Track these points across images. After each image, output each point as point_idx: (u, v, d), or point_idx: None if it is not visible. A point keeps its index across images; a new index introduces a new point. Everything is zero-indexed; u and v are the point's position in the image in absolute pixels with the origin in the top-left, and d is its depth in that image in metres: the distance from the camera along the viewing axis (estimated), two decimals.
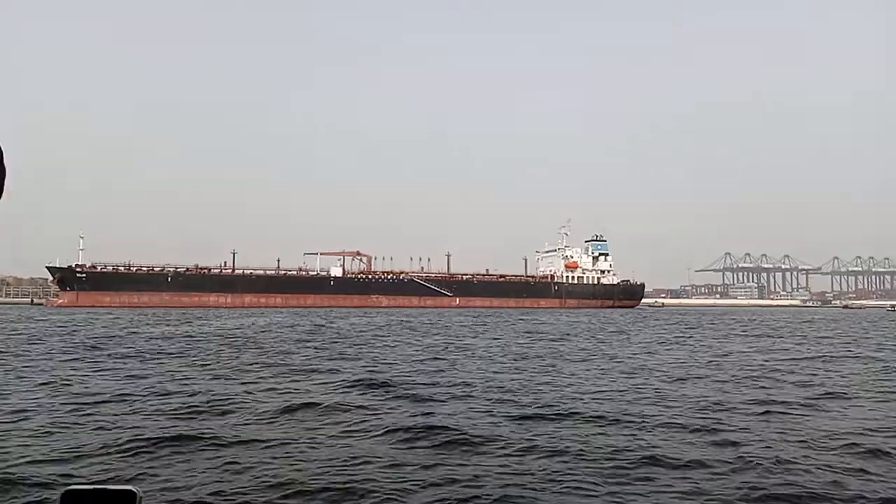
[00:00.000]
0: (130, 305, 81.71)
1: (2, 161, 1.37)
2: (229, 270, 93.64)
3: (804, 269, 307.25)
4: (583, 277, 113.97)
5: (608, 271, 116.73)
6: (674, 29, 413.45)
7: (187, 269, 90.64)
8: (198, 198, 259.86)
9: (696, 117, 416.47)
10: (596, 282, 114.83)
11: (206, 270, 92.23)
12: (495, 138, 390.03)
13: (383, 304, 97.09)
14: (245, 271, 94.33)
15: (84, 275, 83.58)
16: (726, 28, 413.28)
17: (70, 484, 2.12)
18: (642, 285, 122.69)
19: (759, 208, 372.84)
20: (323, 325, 39.48)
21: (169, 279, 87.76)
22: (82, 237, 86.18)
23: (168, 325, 37.19)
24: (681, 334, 35.02)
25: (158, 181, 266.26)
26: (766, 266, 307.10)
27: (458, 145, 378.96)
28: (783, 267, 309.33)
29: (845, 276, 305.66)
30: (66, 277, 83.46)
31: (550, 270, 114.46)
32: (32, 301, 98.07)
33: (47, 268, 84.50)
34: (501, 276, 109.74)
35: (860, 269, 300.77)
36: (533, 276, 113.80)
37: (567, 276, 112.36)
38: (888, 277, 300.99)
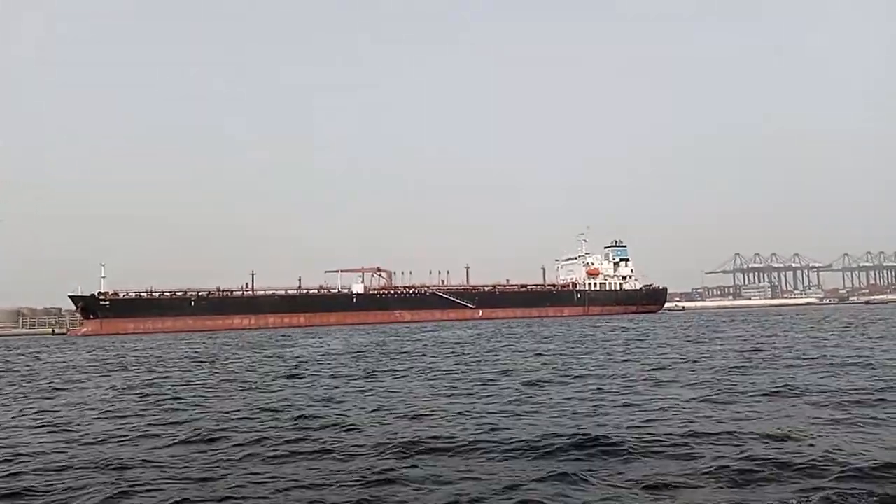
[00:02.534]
0: (155, 331, 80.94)
1: None
2: (250, 292, 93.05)
3: (815, 267, 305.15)
4: (605, 284, 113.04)
5: (630, 277, 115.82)
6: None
7: (209, 293, 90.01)
8: (214, 220, 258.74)
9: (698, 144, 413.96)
10: (618, 288, 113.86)
11: (228, 293, 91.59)
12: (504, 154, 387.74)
13: (406, 318, 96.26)
14: (267, 292, 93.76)
15: (108, 302, 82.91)
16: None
17: None
18: (665, 289, 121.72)
19: (766, 208, 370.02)
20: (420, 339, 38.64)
21: (193, 303, 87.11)
22: (103, 265, 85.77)
23: (275, 348, 36.26)
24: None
25: (169, 203, 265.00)
26: (776, 265, 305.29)
27: (465, 160, 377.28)
28: (793, 265, 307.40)
29: (856, 272, 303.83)
30: (90, 305, 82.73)
31: (572, 278, 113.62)
32: (53, 331, 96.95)
33: (70, 297, 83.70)
34: (523, 286, 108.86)
35: (871, 264, 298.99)
36: (554, 285, 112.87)
37: (589, 284, 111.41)
38: None
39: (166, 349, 38.93)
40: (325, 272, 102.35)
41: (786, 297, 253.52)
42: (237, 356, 30.34)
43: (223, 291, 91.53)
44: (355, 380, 18.28)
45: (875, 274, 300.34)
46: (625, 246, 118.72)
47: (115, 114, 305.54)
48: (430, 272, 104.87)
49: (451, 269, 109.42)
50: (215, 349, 37.24)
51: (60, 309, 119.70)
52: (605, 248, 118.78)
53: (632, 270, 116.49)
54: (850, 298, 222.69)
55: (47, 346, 50.49)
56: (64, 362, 30.28)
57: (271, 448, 9.27)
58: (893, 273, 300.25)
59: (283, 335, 57.53)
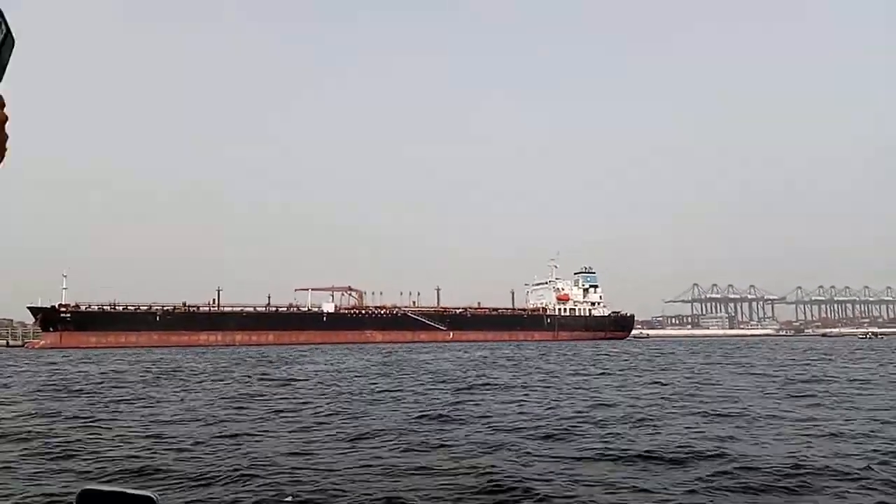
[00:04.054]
0: (118, 346, 78.08)
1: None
2: (217, 308, 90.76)
3: (770, 299, 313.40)
4: (574, 310, 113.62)
5: (598, 303, 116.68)
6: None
7: (175, 308, 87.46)
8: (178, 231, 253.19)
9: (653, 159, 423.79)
10: (588, 314, 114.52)
11: (195, 308, 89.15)
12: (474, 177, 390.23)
13: (377, 339, 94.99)
14: (234, 308, 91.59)
15: (68, 315, 79.78)
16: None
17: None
18: (632, 316, 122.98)
19: (725, 241, 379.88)
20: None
21: (158, 318, 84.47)
22: (65, 276, 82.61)
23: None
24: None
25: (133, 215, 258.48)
26: (732, 296, 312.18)
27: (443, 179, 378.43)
28: (749, 297, 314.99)
29: (809, 305, 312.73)
30: (49, 318, 79.46)
31: (542, 303, 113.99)
32: (8, 343, 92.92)
33: (29, 308, 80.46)
34: (494, 310, 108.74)
35: (823, 298, 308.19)
36: (525, 309, 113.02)
37: (559, 309, 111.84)
38: (849, 306, 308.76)
39: (129, 367, 37.38)
40: (296, 290, 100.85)
41: (742, 328, 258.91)
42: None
43: (190, 307, 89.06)
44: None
45: (827, 307, 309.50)
46: (594, 272, 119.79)
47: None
48: (401, 293, 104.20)
49: (422, 290, 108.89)
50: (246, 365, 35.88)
51: (12, 321, 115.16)
52: (575, 273, 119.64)
53: (600, 297, 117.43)
54: (806, 330, 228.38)
55: None
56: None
57: None
58: (843, 306, 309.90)
59: (282, 354, 56.05)
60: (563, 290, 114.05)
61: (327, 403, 16.31)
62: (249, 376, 26.42)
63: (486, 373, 27.35)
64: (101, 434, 11.64)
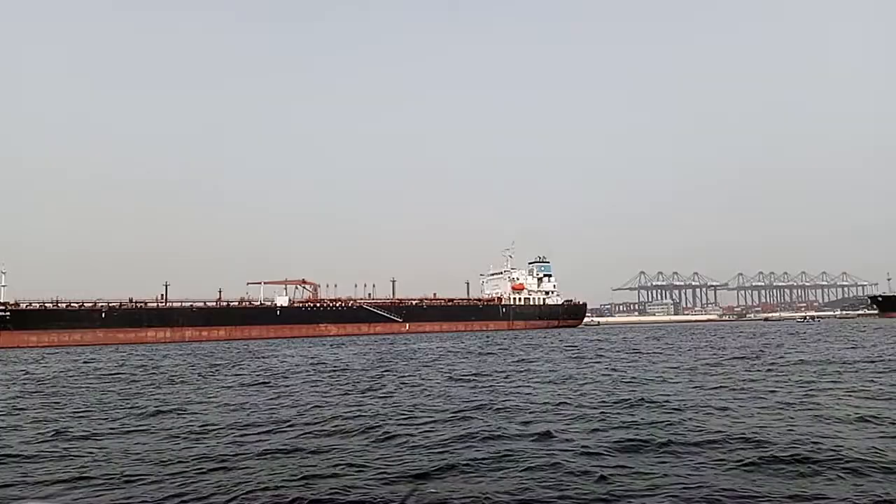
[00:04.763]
0: (61, 344, 74.96)
1: None
2: (165, 304, 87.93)
3: (712, 286, 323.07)
4: (529, 299, 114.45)
5: (552, 292, 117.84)
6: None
7: (122, 304, 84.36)
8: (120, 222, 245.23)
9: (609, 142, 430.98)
10: (542, 303, 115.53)
11: (142, 304, 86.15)
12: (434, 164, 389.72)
13: (332, 332, 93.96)
14: (184, 304, 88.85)
15: (8, 313, 76.00)
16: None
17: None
18: (584, 305, 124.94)
19: (670, 230, 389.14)
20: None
21: (104, 315, 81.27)
22: (4, 272, 78.65)
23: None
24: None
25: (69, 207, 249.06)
26: (677, 283, 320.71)
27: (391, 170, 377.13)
28: (693, 284, 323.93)
29: (749, 291, 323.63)
30: None
31: (497, 293, 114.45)
32: None
33: None
34: (450, 301, 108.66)
35: (763, 284, 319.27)
36: (480, 300, 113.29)
37: (514, 299, 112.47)
38: (787, 291, 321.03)
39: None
40: (248, 283, 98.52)
41: (687, 314, 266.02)
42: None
43: (136, 303, 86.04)
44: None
45: (766, 293, 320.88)
46: (548, 262, 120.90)
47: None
48: (356, 285, 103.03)
49: (378, 282, 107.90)
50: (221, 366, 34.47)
51: None
52: (530, 263, 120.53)
53: (554, 286, 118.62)
54: (748, 315, 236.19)
55: None
56: None
57: None
58: (781, 291, 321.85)
59: (253, 350, 54.39)
60: (517, 279, 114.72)
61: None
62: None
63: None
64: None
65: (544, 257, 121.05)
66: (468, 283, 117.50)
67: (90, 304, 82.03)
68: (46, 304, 79.66)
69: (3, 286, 77.86)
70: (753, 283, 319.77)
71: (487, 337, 70.79)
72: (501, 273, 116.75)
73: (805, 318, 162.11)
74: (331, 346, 55.15)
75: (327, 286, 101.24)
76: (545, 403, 14.70)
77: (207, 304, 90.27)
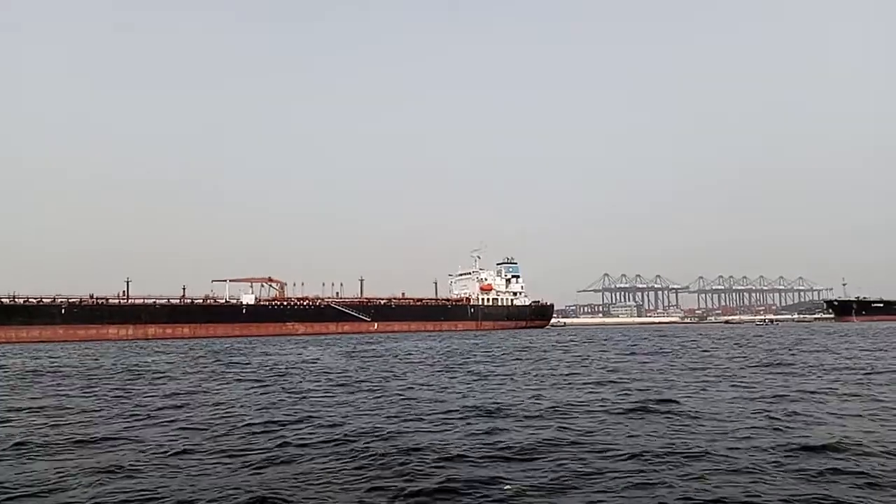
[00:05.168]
0: (18, 341, 72.51)
1: None
2: (127, 300, 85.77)
3: (674, 288, 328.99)
4: (497, 300, 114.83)
5: (520, 293, 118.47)
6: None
7: (82, 300, 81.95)
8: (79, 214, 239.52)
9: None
10: (510, 303, 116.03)
11: (103, 300, 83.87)
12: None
13: (300, 331, 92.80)
14: (146, 300, 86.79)
15: None
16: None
17: None
18: (552, 306, 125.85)
19: (632, 231, 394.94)
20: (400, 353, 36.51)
21: (63, 311, 78.84)
22: None
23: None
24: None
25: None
26: (640, 286, 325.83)
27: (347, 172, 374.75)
28: (655, 286, 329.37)
29: (710, 294, 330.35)
30: None
31: (465, 293, 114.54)
32: None
33: None
34: (418, 300, 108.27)
35: (722, 287, 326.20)
36: (449, 299, 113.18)
37: (483, 299, 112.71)
38: (746, 295, 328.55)
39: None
40: (213, 281, 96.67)
41: (650, 316, 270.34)
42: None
43: (97, 299, 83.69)
44: None
45: (726, 296, 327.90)
46: (516, 263, 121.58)
47: None
48: (324, 284, 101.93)
49: (345, 281, 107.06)
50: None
51: None
52: (498, 264, 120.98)
53: (522, 287, 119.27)
54: (709, 318, 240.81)
55: None
56: None
57: None
58: (740, 295, 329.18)
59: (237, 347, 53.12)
60: (486, 280, 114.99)
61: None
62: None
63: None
64: None
65: (512, 258, 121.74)
66: (436, 283, 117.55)
67: (49, 300, 79.54)
68: (2, 300, 76.97)
69: None
70: (713, 287, 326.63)
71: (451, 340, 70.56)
72: (470, 273, 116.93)
73: (765, 321, 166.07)
74: (309, 345, 54.33)
75: (294, 284, 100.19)
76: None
77: (171, 301, 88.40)
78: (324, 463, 8.99)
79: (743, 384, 17.91)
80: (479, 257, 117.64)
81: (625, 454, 9.11)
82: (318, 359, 33.22)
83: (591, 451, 9.40)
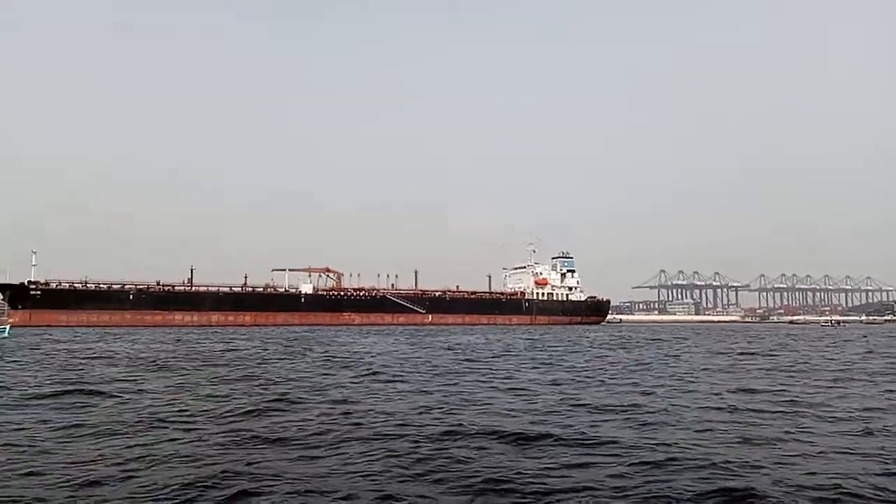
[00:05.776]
0: (90, 325, 75.76)
1: None
2: (192, 288, 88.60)
3: (734, 286, 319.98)
4: (552, 294, 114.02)
5: (576, 288, 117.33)
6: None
7: (150, 287, 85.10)
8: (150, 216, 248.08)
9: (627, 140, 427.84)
10: (564, 298, 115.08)
11: (170, 288, 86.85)
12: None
13: (356, 321, 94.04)
14: (210, 288, 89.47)
15: (38, 292, 76.99)
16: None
17: None
18: (608, 301, 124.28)
19: (691, 229, 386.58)
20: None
21: (132, 297, 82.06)
22: (35, 252, 79.56)
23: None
24: None
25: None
26: (698, 283, 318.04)
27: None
28: (714, 284, 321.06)
29: (771, 293, 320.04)
30: (18, 294, 76.59)
31: (520, 287, 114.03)
32: None
33: None
34: (473, 293, 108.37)
35: (785, 286, 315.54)
36: (503, 293, 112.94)
37: (537, 293, 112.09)
38: (809, 294, 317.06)
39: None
40: (273, 270, 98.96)
41: (708, 314, 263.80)
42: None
43: (164, 286, 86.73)
44: None
45: (788, 295, 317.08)
46: (571, 257, 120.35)
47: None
48: (379, 275, 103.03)
49: (400, 273, 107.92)
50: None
51: None
52: (553, 258, 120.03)
53: (578, 282, 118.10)
54: (771, 318, 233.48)
55: None
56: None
57: None
58: (804, 294, 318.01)
59: (329, 336, 54.47)
60: (541, 274, 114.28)
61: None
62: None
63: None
64: None
65: (567, 253, 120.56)
66: (490, 277, 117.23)
67: (118, 287, 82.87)
68: (76, 285, 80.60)
69: (34, 265, 78.78)
70: (776, 285, 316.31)
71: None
72: (525, 267, 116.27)
73: (830, 322, 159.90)
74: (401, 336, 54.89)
75: (350, 275, 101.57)
76: None
77: (233, 289, 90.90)
78: None
79: None
80: (534, 251, 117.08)
81: None
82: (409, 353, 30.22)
83: None
